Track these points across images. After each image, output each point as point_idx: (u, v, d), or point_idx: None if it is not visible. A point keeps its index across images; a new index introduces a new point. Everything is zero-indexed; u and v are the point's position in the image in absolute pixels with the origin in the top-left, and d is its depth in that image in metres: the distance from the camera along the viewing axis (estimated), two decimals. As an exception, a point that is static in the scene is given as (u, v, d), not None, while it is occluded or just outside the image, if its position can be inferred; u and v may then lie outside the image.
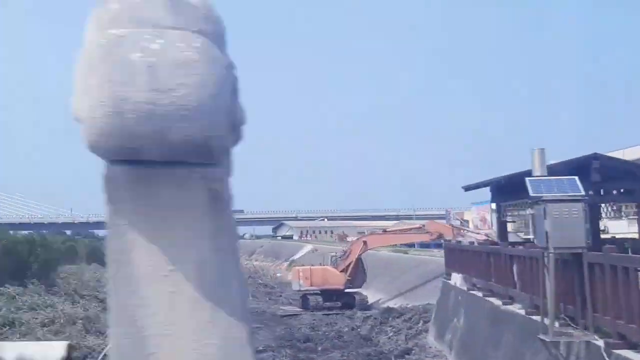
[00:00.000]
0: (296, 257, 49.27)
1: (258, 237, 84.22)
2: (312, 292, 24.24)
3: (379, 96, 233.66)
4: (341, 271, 24.60)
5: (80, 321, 18.08)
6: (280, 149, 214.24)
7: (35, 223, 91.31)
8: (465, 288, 12.94)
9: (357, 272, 24.92)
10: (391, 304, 25.08)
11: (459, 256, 14.49)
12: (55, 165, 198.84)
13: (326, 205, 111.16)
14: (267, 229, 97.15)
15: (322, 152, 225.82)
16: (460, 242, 26.96)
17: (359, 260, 24.87)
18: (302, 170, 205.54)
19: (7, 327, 16.50)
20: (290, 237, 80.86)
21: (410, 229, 27.90)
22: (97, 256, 40.30)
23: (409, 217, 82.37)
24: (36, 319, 17.94)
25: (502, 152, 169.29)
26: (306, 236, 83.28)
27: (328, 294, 24.20)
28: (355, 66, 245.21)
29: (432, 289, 24.28)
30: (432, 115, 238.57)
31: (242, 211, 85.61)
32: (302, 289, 24.32)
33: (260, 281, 39.82)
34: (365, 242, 25.11)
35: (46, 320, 17.81)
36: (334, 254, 27.14)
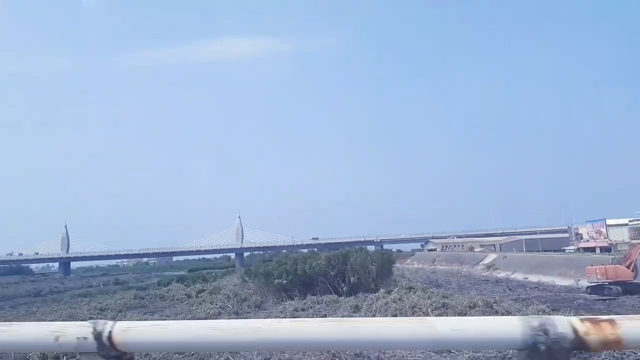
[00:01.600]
0: (486, 262, 57.91)
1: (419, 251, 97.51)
2: (607, 283, 31.91)
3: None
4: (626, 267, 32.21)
5: (481, 302, 25.77)
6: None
7: (272, 246, 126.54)
8: None
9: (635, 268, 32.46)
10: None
11: None
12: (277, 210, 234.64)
13: (454, 227, 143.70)
14: (415, 245, 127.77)
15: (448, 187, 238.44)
16: None
17: (635, 259, 32.40)
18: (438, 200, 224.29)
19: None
20: (434, 250, 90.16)
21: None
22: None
23: (532, 233, 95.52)
24: (427, 302, 25.65)
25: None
26: (446, 249, 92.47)
27: (619, 284, 31.75)
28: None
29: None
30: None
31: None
32: (599, 281, 32.07)
33: (482, 279, 47.78)
34: (641, 247, 32.63)
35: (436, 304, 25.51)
36: (614, 257, 34.70)
